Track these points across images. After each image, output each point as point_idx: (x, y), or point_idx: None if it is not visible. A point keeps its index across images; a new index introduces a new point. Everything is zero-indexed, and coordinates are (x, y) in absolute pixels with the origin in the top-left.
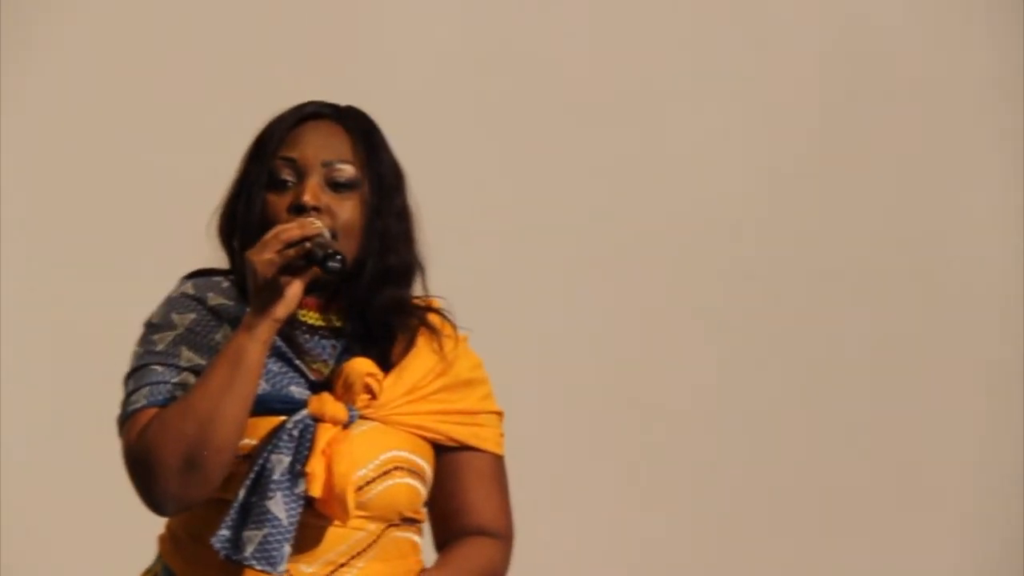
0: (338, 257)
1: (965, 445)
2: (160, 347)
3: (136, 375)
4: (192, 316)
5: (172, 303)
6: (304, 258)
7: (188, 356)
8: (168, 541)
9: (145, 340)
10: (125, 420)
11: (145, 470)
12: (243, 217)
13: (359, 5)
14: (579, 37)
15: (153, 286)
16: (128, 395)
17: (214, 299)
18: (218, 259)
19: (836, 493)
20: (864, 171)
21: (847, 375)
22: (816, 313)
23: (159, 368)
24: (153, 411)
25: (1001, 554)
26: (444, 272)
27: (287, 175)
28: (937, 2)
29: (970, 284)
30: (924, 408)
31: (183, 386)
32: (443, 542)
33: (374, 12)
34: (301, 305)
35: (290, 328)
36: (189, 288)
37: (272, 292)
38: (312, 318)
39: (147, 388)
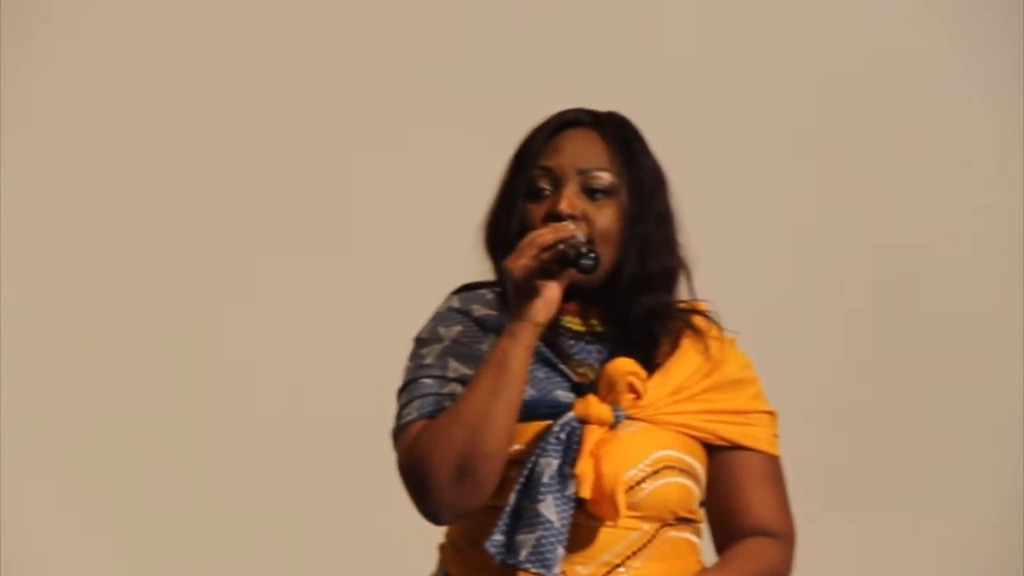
0: (591, 255)
1: (967, 445)
2: (428, 360)
3: (407, 389)
4: (458, 328)
5: (439, 318)
6: (558, 260)
7: (455, 367)
8: (448, 548)
9: (414, 355)
10: (398, 434)
11: (419, 481)
12: (504, 227)
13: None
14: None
15: (153, 285)
16: (400, 409)
17: (479, 311)
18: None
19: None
20: None
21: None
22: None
23: (428, 381)
24: (423, 423)
25: (1001, 554)
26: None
27: (544, 184)
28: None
29: (971, 284)
30: (925, 408)
31: (452, 396)
32: (722, 543)
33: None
34: (563, 311)
35: (554, 334)
36: (455, 302)
37: (530, 296)
38: (575, 324)
39: (417, 401)
